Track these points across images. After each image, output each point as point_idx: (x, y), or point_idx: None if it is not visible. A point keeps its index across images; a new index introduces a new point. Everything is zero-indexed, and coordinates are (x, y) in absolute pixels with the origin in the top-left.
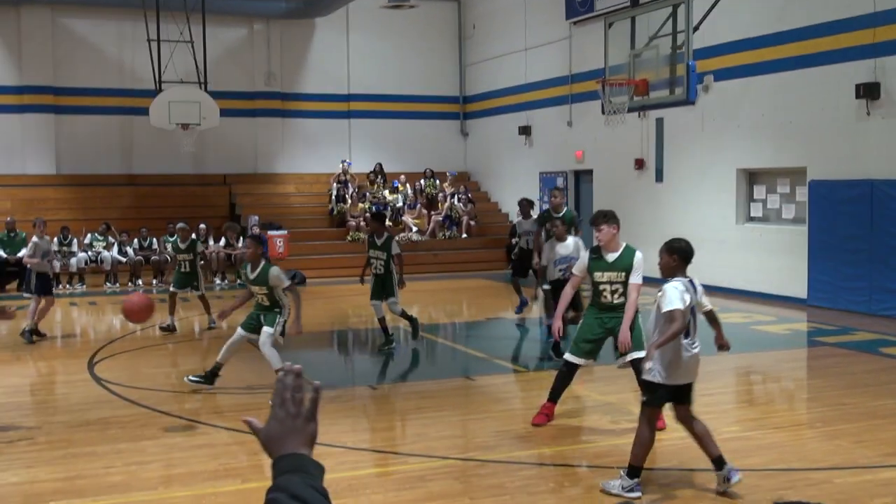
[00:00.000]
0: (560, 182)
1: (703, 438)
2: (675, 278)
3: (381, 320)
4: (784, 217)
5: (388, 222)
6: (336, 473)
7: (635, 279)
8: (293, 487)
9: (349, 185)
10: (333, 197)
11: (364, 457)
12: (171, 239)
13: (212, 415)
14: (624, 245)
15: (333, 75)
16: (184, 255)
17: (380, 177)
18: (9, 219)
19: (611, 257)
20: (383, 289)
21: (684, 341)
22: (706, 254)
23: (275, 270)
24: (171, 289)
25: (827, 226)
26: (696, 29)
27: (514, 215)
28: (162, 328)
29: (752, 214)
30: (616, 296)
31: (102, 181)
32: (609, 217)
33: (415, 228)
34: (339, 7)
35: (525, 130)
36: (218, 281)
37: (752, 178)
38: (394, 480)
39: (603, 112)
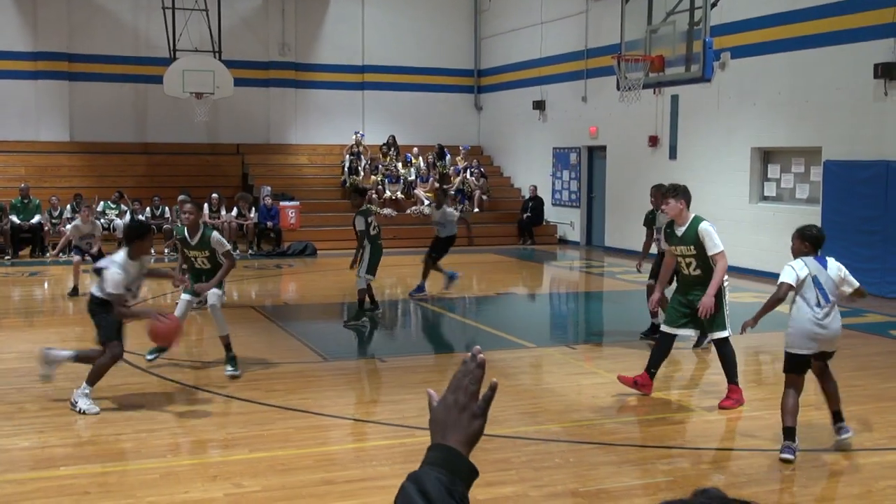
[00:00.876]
0: (574, 158)
1: (830, 395)
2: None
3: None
4: (798, 197)
5: (400, 195)
6: (343, 445)
7: (712, 249)
8: (427, 482)
9: (362, 157)
10: (346, 169)
11: (371, 429)
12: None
13: (220, 385)
14: (692, 217)
15: (348, 46)
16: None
17: (393, 149)
18: (22, 185)
19: (680, 231)
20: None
21: (809, 313)
22: (719, 233)
23: (216, 234)
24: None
25: (841, 206)
26: (713, 5)
27: (527, 190)
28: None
29: (766, 194)
30: (692, 269)
31: (116, 149)
32: (678, 191)
33: (427, 202)
34: None
35: (539, 105)
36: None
37: (766, 157)
38: (400, 452)
39: (618, 88)
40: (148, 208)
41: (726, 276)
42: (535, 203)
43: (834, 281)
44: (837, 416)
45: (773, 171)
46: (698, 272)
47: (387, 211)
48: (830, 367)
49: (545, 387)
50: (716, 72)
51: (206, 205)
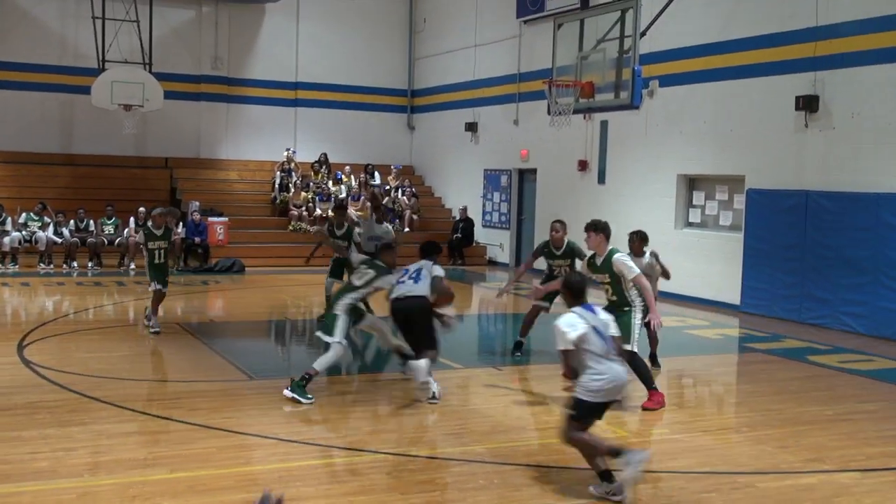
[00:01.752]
0: (504, 180)
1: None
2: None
3: (328, 298)
4: (721, 224)
5: (330, 213)
6: (267, 465)
7: (630, 274)
8: None
9: (293, 173)
10: (277, 185)
11: (296, 449)
12: (108, 222)
13: (142, 402)
14: (609, 249)
15: (281, 62)
16: (159, 243)
17: (324, 167)
18: None
19: (599, 261)
20: (340, 270)
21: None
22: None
23: None
24: (158, 287)
25: (762, 234)
26: (643, 34)
27: (458, 211)
28: (153, 331)
29: (691, 220)
30: (609, 294)
31: (40, 160)
32: (598, 226)
33: (357, 219)
34: None
35: (471, 127)
36: None
37: (691, 184)
38: (325, 473)
39: (549, 112)
40: (72, 221)
41: (639, 298)
42: (466, 224)
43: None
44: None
45: (698, 197)
46: (615, 297)
47: (316, 229)
48: None
49: (471, 408)
50: (644, 99)
51: (132, 218)
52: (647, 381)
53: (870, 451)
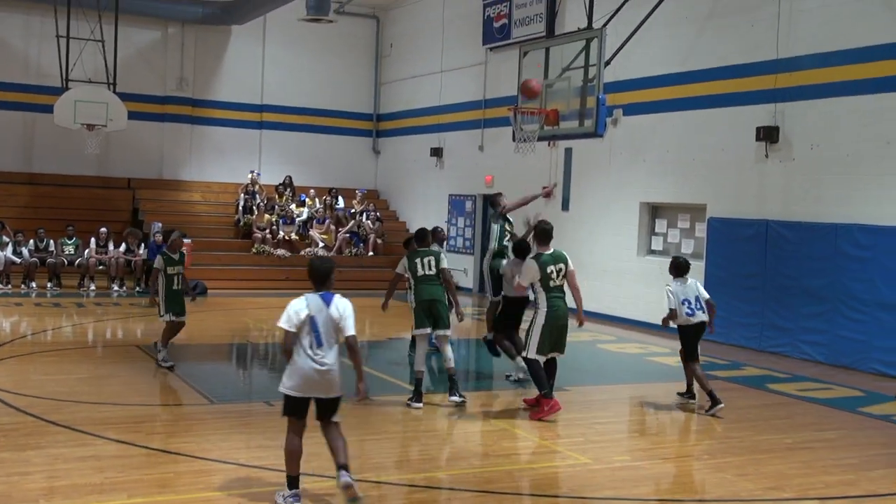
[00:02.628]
0: (469, 205)
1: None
2: None
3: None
4: (683, 251)
5: (294, 235)
6: (226, 490)
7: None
8: None
9: (257, 196)
10: (240, 208)
11: (256, 474)
12: (69, 242)
13: (100, 426)
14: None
15: (247, 85)
16: (178, 268)
17: (289, 189)
18: None
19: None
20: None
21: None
22: (607, 284)
23: None
24: (172, 318)
25: (723, 262)
26: (607, 63)
27: None
28: (171, 367)
29: (653, 247)
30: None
31: (0, 178)
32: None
33: (321, 244)
34: (256, 16)
35: (437, 152)
36: (116, 287)
37: (654, 211)
38: None
39: (514, 139)
40: (32, 241)
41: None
42: None
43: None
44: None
45: (661, 225)
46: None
47: (280, 252)
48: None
49: (433, 434)
50: (608, 128)
51: (92, 239)
52: (539, 387)
53: (828, 480)
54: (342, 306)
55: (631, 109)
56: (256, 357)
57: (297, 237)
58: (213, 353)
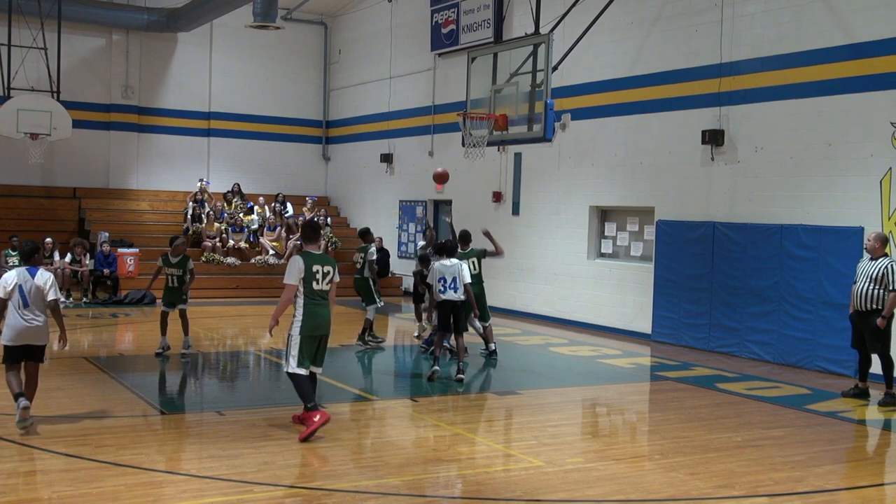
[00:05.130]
0: (420, 211)
1: None
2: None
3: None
4: (633, 254)
5: (243, 244)
6: (178, 502)
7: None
8: None
9: (206, 204)
10: (189, 216)
11: (208, 485)
12: (13, 253)
13: (47, 439)
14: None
15: (194, 92)
16: (173, 270)
17: (238, 197)
18: None
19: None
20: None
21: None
22: (559, 287)
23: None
24: (164, 308)
25: (671, 264)
26: (555, 69)
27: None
28: (157, 354)
29: (603, 251)
30: None
31: None
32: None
33: (272, 251)
34: (202, 23)
35: (387, 158)
36: (63, 298)
37: (603, 215)
38: None
39: (463, 144)
40: None
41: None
42: (382, 255)
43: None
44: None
45: (610, 228)
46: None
47: (230, 260)
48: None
49: (387, 440)
50: (557, 132)
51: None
52: (306, 399)
53: (777, 477)
54: (45, 278)
55: (579, 114)
56: (207, 366)
57: (246, 245)
58: (163, 363)
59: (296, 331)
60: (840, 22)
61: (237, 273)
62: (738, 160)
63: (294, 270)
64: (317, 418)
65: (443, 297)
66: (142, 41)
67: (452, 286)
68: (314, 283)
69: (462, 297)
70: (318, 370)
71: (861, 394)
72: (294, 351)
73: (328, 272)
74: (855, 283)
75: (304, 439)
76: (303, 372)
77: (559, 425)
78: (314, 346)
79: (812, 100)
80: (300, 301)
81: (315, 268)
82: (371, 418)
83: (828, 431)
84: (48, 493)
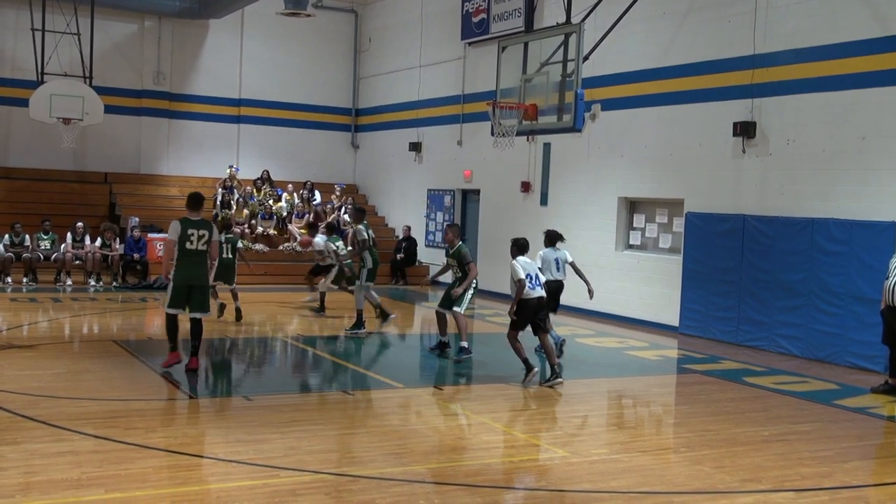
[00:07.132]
0: (448, 200)
1: None
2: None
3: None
4: (661, 246)
5: (272, 231)
6: (204, 485)
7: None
8: None
9: (235, 190)
10: (218, 202)
11: (235, 469)
12: (45, 237)
13: (77, 421)
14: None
15: (225, 79)
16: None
17: (266, 184)
18: None
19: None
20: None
21: None
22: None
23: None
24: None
25: (700, 257)
26: (586, 58)
27: (401, 231)
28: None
29: (631, 242)
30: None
31: None
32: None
33: (300, 238)
34: (234, 10)
35: (415, 147)
36: (92, 282)
37: (632, 206)
38: (264, 494)
39: (492, 134)
40: (7, 235)
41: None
42: (409, 243)
43: None
44: None
45: (639, 220)
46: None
47: (259, 247)
48: None
49: (412, 427)
50: (586, 122)
51: (69, 234)
52: (169, 338)
53: (804, 472)
54: None
55: (609, 104)
56: (235, 352)
57: (275, 232)
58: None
59: (172, 279)
60: (876, 13)
61: (265, 259)
62: (770, 153)
63: (172, 232)
64: (171, 358)
65: (533, 294)
66: (174, 27)
67: (537, 282)
68: (187, 244)
69: (543, 294)
70: (197, 315)
71: (891, 390)
72: (168, 295)
73: (203, 235)
74: (887, 278)
75: (165, 369)
76: (171, 312)
77: (584, 416)
78: (184, 294)
79: (846, 92)
80: (178, 256)
81: (190, 231)
82: (397, 406)
83: (856, 427)
84: (77, 474)
